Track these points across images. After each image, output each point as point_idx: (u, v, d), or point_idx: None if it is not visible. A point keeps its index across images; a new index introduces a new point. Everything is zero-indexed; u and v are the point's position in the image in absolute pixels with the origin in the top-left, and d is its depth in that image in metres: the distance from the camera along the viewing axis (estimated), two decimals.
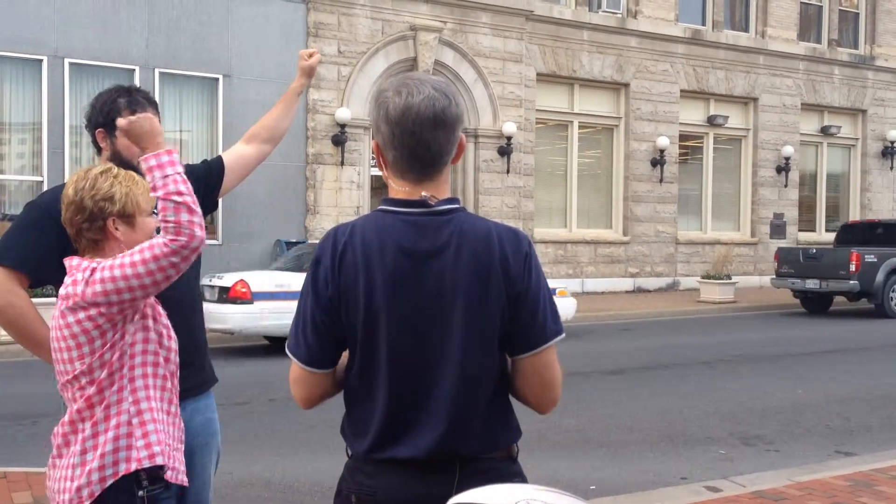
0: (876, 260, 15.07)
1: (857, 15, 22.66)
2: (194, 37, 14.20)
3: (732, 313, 15.85)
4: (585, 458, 5.90)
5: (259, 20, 14.74)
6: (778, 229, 21.07)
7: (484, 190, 16.88)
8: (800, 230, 21.58)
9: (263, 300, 10.08)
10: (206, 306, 10.01)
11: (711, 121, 20.29)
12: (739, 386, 8.54)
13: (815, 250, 16.02)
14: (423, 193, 1.75)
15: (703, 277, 17.49)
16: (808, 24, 21.89)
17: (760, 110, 20.88)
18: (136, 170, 2.52)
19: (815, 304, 16.12)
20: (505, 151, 16.95)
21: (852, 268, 14.95)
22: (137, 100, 2.59)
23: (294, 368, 1.83)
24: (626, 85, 18.99)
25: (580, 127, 18.85)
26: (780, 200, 21.18)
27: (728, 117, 20.41)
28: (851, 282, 14.96)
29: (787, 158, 20.87)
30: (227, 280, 10.30)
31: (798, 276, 15.65)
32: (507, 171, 17.11)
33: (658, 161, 19.10)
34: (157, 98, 11.53)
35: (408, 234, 1.74)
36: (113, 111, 2.53)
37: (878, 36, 22.62)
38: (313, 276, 1.79)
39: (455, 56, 16.54)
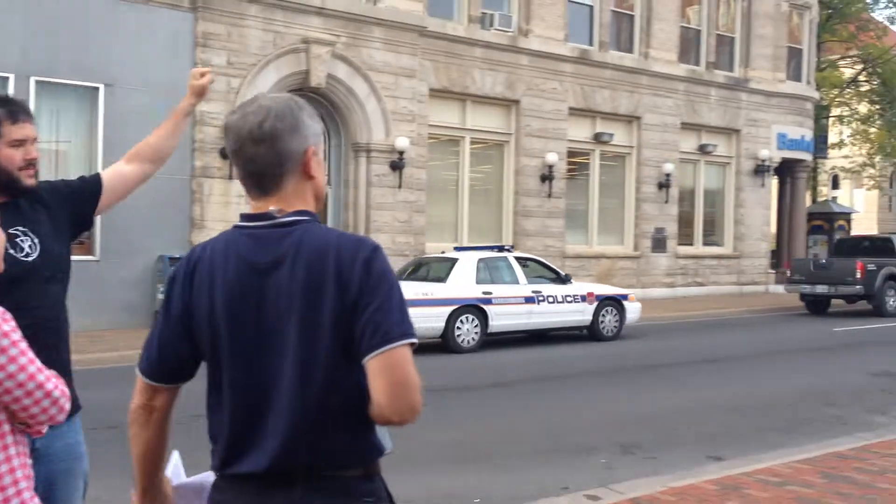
0: (875, 268, 18.12)
1: (732, 39, 23.90)
2: (74, 44, 13.66)
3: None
4: (470, 471, 5.99)
5: (144, 28, 14.33)
6: (659, 243, 21.93)
7: (376, 205, 16.91)
8: (679, 244, 22.52)
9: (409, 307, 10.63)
10: None
11: (598, 138, 20.96)
12: (620, 395, 8.86)
13: (825, 260, 19.41)
14: (272, 207, 1.80)
15: None
16: (688, 47, 22.93)
17: (643, 129, 21.72)
18: (17, 181, 2.49)
19: (818, 307, 19.09)
20: (397, 166, 17.04)
21: (858, 275, 17.99)
22: (16, 110, 2.52)
23: (138, 379, 1.91)
24: (517, 102, 19.42)
25: (472, 142, 19.14)
26: (661, 215, 22.05)
27: (613, 135, 21.13)
28: (857, 287, 18.05)
29: (668, 175, 21.76)
30: None
31: (808, 283, 18.70)
32: (399, 186, 17.19)
33: (547, 177, 19.59)
34: (32, 107, 11.11)
35: (250, 247, 1.79)
36: None
37: (752, 60, 23.92)
38: (167, 294, 1.86)
39: (348, 70, 16.53)
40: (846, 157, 37.90)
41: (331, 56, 16.18)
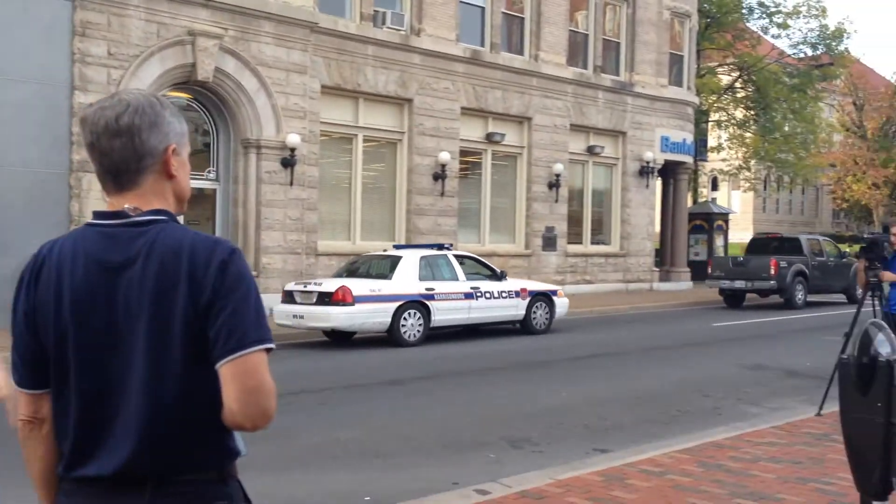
0: (787, 265, 19.89)
1: (618, 44, 24.64)
2: None
3: None
4: (361, 469, 5.96)
5: (18, 16, 13.58)
6: (549, 242, 22.41)
7: (266, 202, 16.59)
8: (569, 243, 23.06)
9: (362, 303, 12.20)
10: (303, 308, 12.56)
11: (490, 138, 21.23)
12: (510, 391, 8.99)
13: (742, 258, 20.97)
14: (127, 205, 1.76)
15: None
16: (577, 51, 23.51)
17: (534, 129, 22.12)
18: None
19: (735, 300, 20.75)
20: (288, 163, 16.77)
21: (772, 271, 19.70)
22: None
23: (15, 392, 1.84)
24: (410, 101, 19.44)
25: (365, 140, 19.04)
26: (552, 215, 22.53)
27: (505, 135, 21.45)
28: (771, 282, 19.86)
29: (558, 175, 22.25)
30: (329, 286, 12.45)
31: (727, 279, 20.43)
32: (291, 184, 16.93)
33: (440, 175, 19.69)
34: None
35: (101, 245, 1.74)
36: None
37: (637, 64, 24.72)
38: (15, 296, 1.79)
39: (237, 64, 16.15)
40: (724, 160, 39.72)
41: (218, 49, 15.77)
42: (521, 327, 14.43)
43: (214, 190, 16.58)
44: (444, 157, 19.58)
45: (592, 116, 23.59)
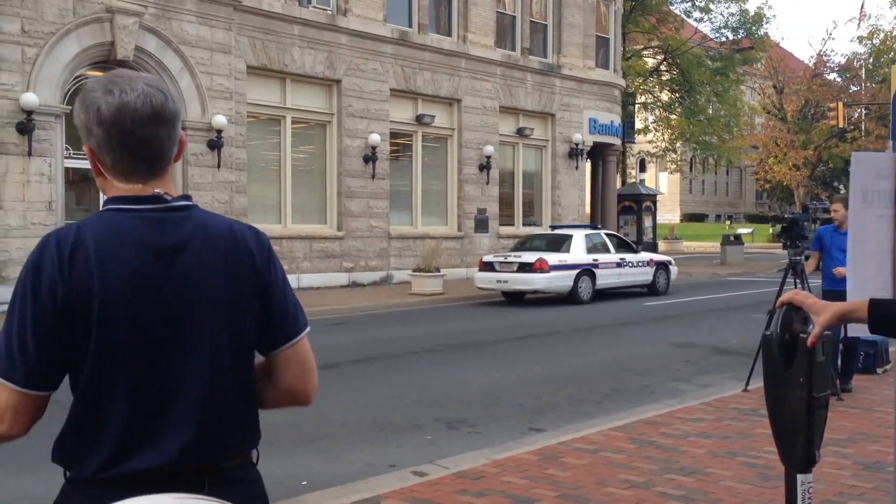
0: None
1: (545, 26, 24.78)
2: None
3: (441, 304, 16.65)
4: (297, 453, 5.88)
5: None
6: (481, 224, 22.49)
7: (194, 185, 16.20)
8: (500, 224, 23.19)
9: (554, 270, 16.08)
10: (506, 275, 16.34)
11: (420, 120, 21.13)
12: (445, 373, 9.00)
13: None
14: (157, 190, 1.69)
15: (413, 271, 18.18)
16: (504, 33, 23.56)
17: (464, 111, 22.11)
18: None
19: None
20: (215, 145, 16.40)
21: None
22: None
23: (4, 392, 1.60)
24: (339, 81, 19.20)
25: (293, 122, 18.75)
26: (483, 196, 22.61)
27: (435, 117, 21.38)
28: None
29: (489, 157, 22.32)
30: (528, 258, 16.25)
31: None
32: (218, 166, 16.57)
33: (370, 157, 19.54)
34: None
35: (146, 230, 1.65)
36: None
37: (564, 47, 24.91)
38: (33, 287, 1.60)
39: (158, 43, 15.68)
40: (651, 142, 40.50)
41: (138, 27, 15.28)
42: (648, 289, 18.28)
43: None
44: (374, 139, 19.43)
45: (521, 98, 23.70)
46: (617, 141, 27.46)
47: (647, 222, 29.40)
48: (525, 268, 16.16)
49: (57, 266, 1.60)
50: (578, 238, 17.18)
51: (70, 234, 1.63)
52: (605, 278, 17.12)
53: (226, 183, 16.77)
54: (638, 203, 29.31)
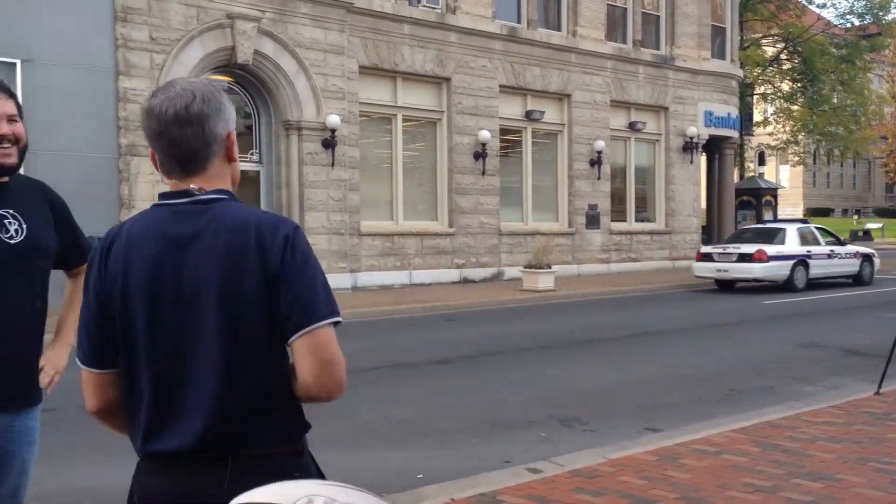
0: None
1: (658, 17, 24.18)
2: None
3: (553, 301, 16.53)
4: (412, 447, 5.94)
5: (63, 3, 13.72)
6: (593, 220, 22.18)
7: (309, 183, 16.64)
8: (612, 220, 22.81)
9: (772, 260, 17.50)
10: (725, 265, 18.00)
11: (529, 115, 21.02)
12: (558, 370, 8.91)
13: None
14: (192, 186, 1.80)
15: (524, 267, 18.12)
16: (615, 25, 23.13)
17: (574, 106, 21.85)
18: None
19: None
20: (329, 144, 16.79)
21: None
22: None
23: (81, 372, 1.85)
24: (448, 79, 19.31)
25: (404, 120, 18.97)
26: (594, 192, 22.29)
27: (544, 112, 21.21)
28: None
29: (600, 152, 21.98)
30: (747, 249, 17.74)
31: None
32: (332, 164, 16.95)
33: (480, 154, 19.57)
34: None
35: (170, 221, 1.78)
36: None
37: (677, 38, 24.26)
38: (86, 281, 1.83)
39: (275, 47, 16.17)
40: (771, 134, 38.95)
41: (257, 32, 15.80)
42: (854, 280, 19.32)
43: (258, 172, 16.66)
44: (484, 135, 19.45)
45: (633, 92, 23.23)
46: (734, 133, 26.54)
47: (768, 217, 28.29)
48: (745, 258, 17.68)
49: (98, 261, 1.81)
50: (791, 230, 18.63)
51: (115, 230, 1.82)
52: (817, 268, 18.32)
53: (339, 181, 17.14)
54: (757, 197, 28.22)
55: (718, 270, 18.13)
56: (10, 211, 2.60)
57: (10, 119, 2.60)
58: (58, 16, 13.66)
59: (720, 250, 18.36)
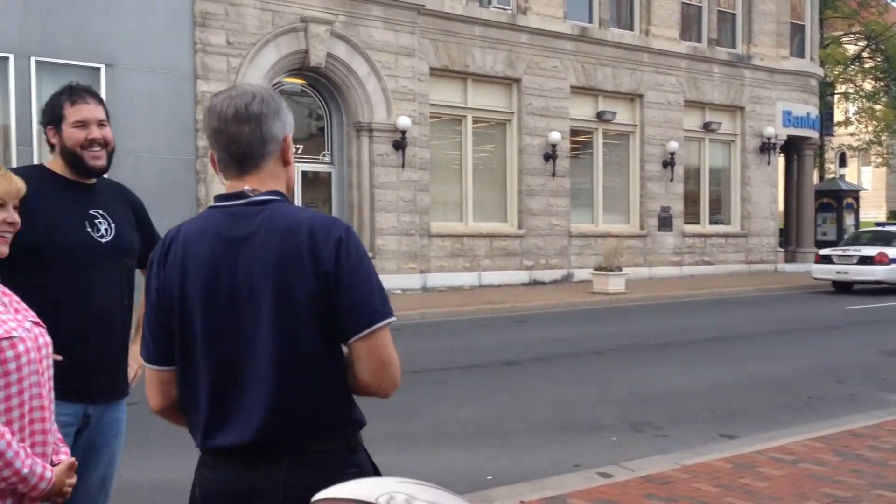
0: None
1: (734, 15, 23.65)
2: (73, 23, 13.49)
3: (624, 304, 16.31)
4: (481, 449, 5.93)
5: (143, 7, 14.17)
6: (665, 222, 21.82)
7: (379, 184, 16.79)
8: (685, 223, 22.39)
9: (893, 263, 17.87)
10: (846, 267, 18.47)
11: (600, 116, 20.79)
12: (628, 374, 8.79)
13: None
14: (246, 187, 1.84)
15: (595, 269, 17.92)
16: (690, 24, 22.70)
17: (646, 107, 21.53)
18: (81, 160, 2.67)
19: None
20: (400, 145, 16.91)
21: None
22: (76, 93, 2.71)
23: (145, 369, 1.91)
24: (518, 80, 19.24)
25: (474, 121, 18.98)
26: (667, 194, 21.92)
27: (616, 113, 20.96)
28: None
29: (672, 153, 21.61)
30: (868, 251, 18.16)
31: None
32: (403, 166, 17.07)
33: (550, 155, 19.45)
34: (34, 88, 10.97)
35: (224, 223, 1.83)
36: (57, 106, 2.68)
37: (754, 36, 23.68)
38: (147, 278, 1.89)
39: (347, 49, 16.37)
40: (852, 134, 37.69)
41: (329, 35, 16.02)
42: None
43: (329, 173, 16.89)
44: (555, 136, 19.31)
45: (708, 92, 22.77)
46: (814, 134, 25.75)
47: (849, 220, 27.36)
48: (866, 260, 18.04)
49: (157, 261, 1.86)
50: None
51: (173, 232, 1.87)
52: None
53: (409, 182, 17.25)
54: (838, 200, 27.34)
55: (838, 273, 18.40)
56: (100, 211, 2.72)
57: (100, 124, 2.72)
58: (140, 22, 14.10)
59: (839, 252, 18.80)
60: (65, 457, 2.17)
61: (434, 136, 18.20)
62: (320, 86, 16.60)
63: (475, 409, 7.06)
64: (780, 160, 25.73)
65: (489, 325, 12.75)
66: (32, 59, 13.13)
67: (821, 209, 26.91)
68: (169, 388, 1.88)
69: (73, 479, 2.13)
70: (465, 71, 18.47)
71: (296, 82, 16.26)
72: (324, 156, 16.82)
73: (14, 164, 12.32)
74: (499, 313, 14.43)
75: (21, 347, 1.99)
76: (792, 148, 25.49)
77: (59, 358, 2.22)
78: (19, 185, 2.13)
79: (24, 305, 2.15)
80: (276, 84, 15.68)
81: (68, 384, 2.45)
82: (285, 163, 1.89)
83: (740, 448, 5.60)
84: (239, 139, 1.83)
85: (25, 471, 1.97)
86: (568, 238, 19.99)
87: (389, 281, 13.47)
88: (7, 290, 2.14)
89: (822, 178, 33.46)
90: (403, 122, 16.69)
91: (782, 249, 24.90)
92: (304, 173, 16.26)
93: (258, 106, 1.83)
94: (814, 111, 25.31)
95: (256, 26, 15.31)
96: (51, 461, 2.10)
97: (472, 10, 18.41)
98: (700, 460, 5.27)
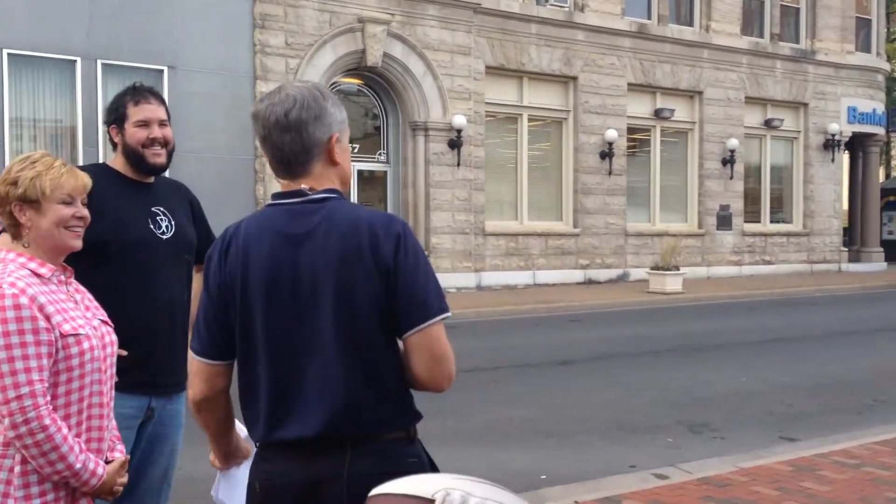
0: None
1: (798, 10, 23.12)
2: (137, 27, 13.86)
3: (681, 304, 16.08)
4: (536, 448, 5.92)
5: (204, 10, 14.47)
6: (724, 221, 21.44)
7: (435, 183, 16.85)
8: (745, 221, 21.98)
9: None
10: None
11: (658, 114, 20.53)
12: (686, 374, 8.67)
13: None
14: (303, 186, 1.87)
15: (651, 268, 17.71)
16: (751, 19, 22.26)
17: (705, 104, 21.19)
18: (142, 158, 2.75)
19: None
20: (455, 144, 16.94)
21: None
22: (138, 93, 2.79)
23: (192, 362, 1.94)
24: (575, 78, 19.11)
25: (529, 120, 18.91)
26: (726, 192, 21.54)
27: (674, 110, 20.67)
28: None
29: (732, 151, 21.22)
30: None
31: None
32: (458, 164, 17.10)
33: (607, 154, 19.27)
34: (100, 90, 11.29)
35: (284, 220, 1.85)
36: (121, 106, 2.77)
37: (819, 30, 23.11)
38: (205, 273, 1.92)
39: (403, 49, 16.46)
40: None
41: (386, 35, 16.13)
42: None
43: (385, 172, 17.01)
44: (611, 134, 19.13)
45: (769, 88, 22.31)
46: (880, 130, 25.02)
47: None
48: None
49: (217, 257, 1.88)
50: None
51: (232, 228, 1.90)
52: None
53: (465, 181, 17.27)
54: None
55: None
56: (161, 208, 2.80)
57: (161, 123, 2.80)
58: (201, 24, 14.41)
59: None
60: (119, 454, 2.21)
61: (489, 134, 18.19)
62: (377, 85, 16.73)
63: (530, 408, 7.05)
64: (845, 157, 25.06)
65: (544, 324, 12.70)
66: (98, 62, 13.53)
67: (886, 207, 26.15)
68: (215, 380, 1.91)
69: (125, 479, 2.16)
70: (520, 69, 18.42)
71: (352, 82, 16.41)
72: (379, 155, 16.95)
73: (80, 164, 12.69)
74: (553, 312, 14.36)
75: (86, 345, 2.04)
76: (857, 145, 24.81)
77: (124, 353, 2.28)
78: (85, 180, 2.17)
79: (95, 303, 2.20)
80: (332, 84, 15.85)
81: (133, 377, 2.51)
82: (332, 163, 1.90)
83: (801, 451, 5.49)
84: (282, 147, 1.86)
85: (78, 465, 2.00)
86: (624, 237, 19.79)
87: (444, 280, 13.52)
88: (81, 288, 2.19)
89: (888, 175, 32.50)
90: (459, 120, 16.72)
91: (846, 249, 24.27)
92: (360, 172, 16.41)
93: (297, 112, 1.84)
94: (880, 107, 24.60)
95: (314, 27, 15.50)
96: (105, 458, 2.14)
97: (529, 7, 18.34)
98: (759, 463, 5.18)
